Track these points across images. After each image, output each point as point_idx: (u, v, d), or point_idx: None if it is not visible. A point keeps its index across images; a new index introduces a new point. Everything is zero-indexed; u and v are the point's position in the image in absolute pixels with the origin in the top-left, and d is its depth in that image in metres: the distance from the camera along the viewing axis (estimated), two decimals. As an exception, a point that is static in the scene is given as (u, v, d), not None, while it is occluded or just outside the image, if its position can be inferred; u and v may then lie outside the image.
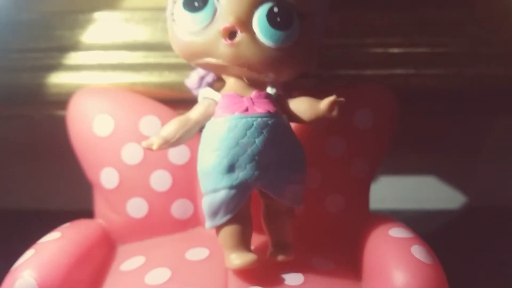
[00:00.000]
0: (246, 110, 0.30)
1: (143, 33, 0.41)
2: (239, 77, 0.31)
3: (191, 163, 0.35)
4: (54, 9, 0.41)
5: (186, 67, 0.38)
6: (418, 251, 0.29)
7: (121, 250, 0.36)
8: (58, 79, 0.40)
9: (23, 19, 0.41)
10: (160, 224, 0.36)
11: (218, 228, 0.30)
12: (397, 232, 0.31)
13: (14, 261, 0.30)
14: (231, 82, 0.31)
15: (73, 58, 0.41)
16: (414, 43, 0.40)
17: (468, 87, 0.40)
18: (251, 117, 0.29)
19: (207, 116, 0.31)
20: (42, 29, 0.41)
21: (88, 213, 0.38)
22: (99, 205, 0.37)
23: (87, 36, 0.41)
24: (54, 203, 0.47)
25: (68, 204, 0.45)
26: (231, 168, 0.29)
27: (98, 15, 0.41)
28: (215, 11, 0.29)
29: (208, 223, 0.30)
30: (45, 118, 0.41)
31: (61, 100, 0.38)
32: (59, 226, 0.34)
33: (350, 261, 0.33)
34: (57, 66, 0.40)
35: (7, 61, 0.40)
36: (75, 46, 0.41)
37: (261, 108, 0.30)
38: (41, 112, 0.41)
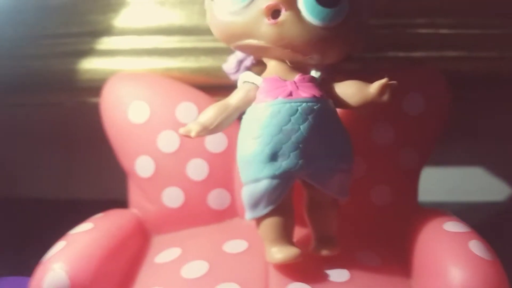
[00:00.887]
0: (290, 94, 0.28)
1: (179, 17, 0.39)
2: (281, 59, 0.29)
3: (229, 151, 0.34)
4: (86, -6, 0.40)
5: (223, 51, 0.36)
6: (476, 247, 0.27)
7: (156, 241, 0.35)
8: (91, 64, 0.39)
9: (54, 4, 0.40)
10: (196, 215, 0.35)
11: (259, 220, 0.29)
12: (452, 226, 0.29)
13: (45, 252, 0.29)
14: (272, 65, 0.30)
15: (106, 43, 0.40)
16: (466, 24, 0.38)
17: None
18: (295, 102, 0.28)
19: (247, 102, 0.29)
20: (73, 13, 0.40)
21: (122, 203, 0.37)
22: (134, 194, 0.36)
23: (120, 20, 0.40)
24: (88, 192, 0.47)
25: (102, 194, 0.44)
26: (273, 157, 0.27)
27: (130, -1, 0.40)
28: None
29: (249, 215, 0.29)
30: (78, 105, 0.41)
31: (95, 87, 0.38)
32: (94, 214, 0.33)
33: (399, 257, 0.31)
34: (89, 52, 0.39)
35: (38, 47, 0.40)
36: (108, 31, 0.40)
37: (306, 92, 0.28)
38: (74, 99, 0.41)
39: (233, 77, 0.34)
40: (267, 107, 0.28)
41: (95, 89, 0.37)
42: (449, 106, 0.34)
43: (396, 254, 0.31)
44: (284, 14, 0.27)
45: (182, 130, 0.29)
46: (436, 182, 0.46)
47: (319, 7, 0.27)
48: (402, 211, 0.33)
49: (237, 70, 0.34)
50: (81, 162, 0.47)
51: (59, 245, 0.29)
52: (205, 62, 0.38)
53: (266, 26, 0.27)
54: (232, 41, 0.29)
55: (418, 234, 0.30)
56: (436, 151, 0.36)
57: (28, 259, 0.30)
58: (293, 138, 0.27)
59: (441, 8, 0.37)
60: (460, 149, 0.46)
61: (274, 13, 0.27)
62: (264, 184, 0.27)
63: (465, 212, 0.45)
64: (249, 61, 0.34)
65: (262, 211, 0.28)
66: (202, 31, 0.37)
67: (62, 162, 0.48)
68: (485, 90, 0.39)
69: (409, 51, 0.37)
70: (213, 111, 0.29)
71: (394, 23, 0.37)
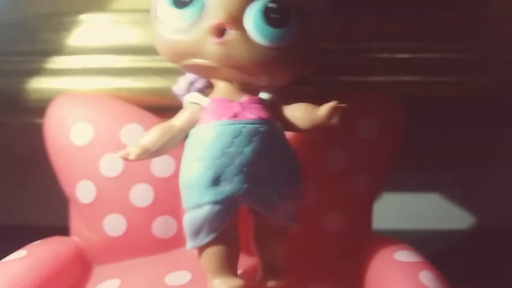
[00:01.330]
0: (235, 116, 0.27)
1: (133, 36, 0.38)
2: (229, 81, 0.28)
3: (176, 176, 0.31)
4: (38, 11, 0.39)
5: (175, 72, 0.35)
6: (427, 278, 0.26)
7: (97, 271, 0.33)
8: (39, 84, 0.38)
9: (5, 21, 0.39)
10: (140, 244, 0.33)
11: (201, 249, 0.27)
12: (403, 255, 0.28)
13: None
14: (220, 86, 0.29)
15: (56, 62, 0.38)
16: (423, 48, 0.37)
17: (480, 96, 0.37)
18: (239, 124, 0.26)
19: (192, 123, 0.28)
20: (25, 31, 0.39)
21: (67, 229, 0.35)
22: (75, 221, 0.34)
23: (73, 39, 0.39)
24: (31, 218, 0.45)
25: (46, 220, 0.41)
26: (216, 181, 0.26)
27: (84, 17, 0.39)
28: (203, 7, 0.27)
29: (190, 244, 0.27)
30: (25, 126, 0.39)
31: (42, 107, 0.36)
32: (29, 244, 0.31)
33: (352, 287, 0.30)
34: (39, 71, 0.38)
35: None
36: (59, 50, 0.38)
37: (252, 114, 0.27)
38: (21, 119, 0.39)
39: (182, 99, 0.33)
40: (211, 129, 0.26)
41: (43, 110, 0.35)
42: (403, 130, 0.34)
43: (348, 284, 0.30)
44: (231, 33, 0.26)
45: (120, 153, 0.27)
46: (393, 209, 0.45)
47: (267, 27, 0.26)
48: (355, 239, 0.32)
49: (187, 91, 0.33)
50: (26, 185, 0.45)
51: (-15, 275, 0.27)
52: (156, 82, 0.37)
53: (212, 45, 0.26)
54: (178, 60, 0.28)
55: (370, 263, 0.29)
56: (393, 177, 0.35)
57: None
58: (237, 161, 0.26)
59: (397, 33, 0.37)
60: (417, 175, 0.46)
61: (220, 32, 0.26)
62: (205, 210, 0.26)
63: (422, 240, 0.44)
64: (200, 83, 0.33)
65: (203, 239, 0.26)
66: (154, 51, 0.35)
67: (5, 185, 0.45)
68: (443, 115, 0.38)
69: (365, 76, 0.37)
70: (155, 133, 0.28)
71: (351, 47, 0.37)
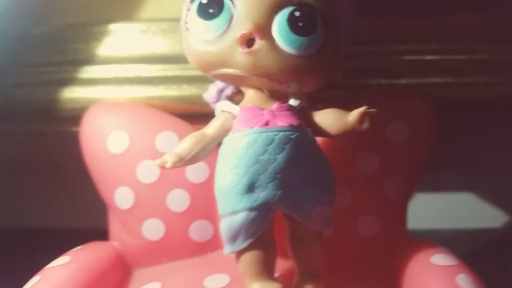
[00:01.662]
0: (267, 123, 0.27)
1: (161, 45, 0.39)
2: (259, 88, 0.29)
3: (210, 181, 0.32)
4: (68, 22, 0.40)
5: (205, 80, 0.36)
6: (464, 281, 0.26)
7: (137, 275, 0.34)
8: (72, 93, 0.39)
9: (36, 33, 0.40)
10: (178, 247, 0.34)
11: (238, 254, 0.28)
12: (440, 259, 0.28)
13: (23, 285, 0.29)
14: (250, 94, 0.29)
15: (88, 71, 0.39)
16: (451, 49, 0.37)
17: (510, 96, 0.37)
18: (272, 131, 0.27)
19: (224, 131, 0.28)
20: (55, 42, 0.40)
21: (105, 233, 0.36)
22: (114, 226, 0.35)
23: (103, 49, 0.39)
24: (69, 222, 0.46)
25: (85, 224, 0.43)
26: (250, 188, 0.26)
27: (113, 27, 0.39)
28: (231, 17, 0.27)
29: (227, 249, 0.28)
30: (60, 134, 0.40)
31: (76, 116, 0.37)
32: (74, 246, 0.33)
33: (386, 291, 0.30)
34: (71, 80, 0.39)
35: (20, 76, 0.39)
36: (90, 60, 0.39)
37: (283, 121, 0.27)
38: (55, 128, 0.40)
39: (213, 106, 0.33)
40: (243, 137, 0.27)
41: (77, 118, 0.36)
42: (434, 133, 0.34)
43: (384, 287, 0.30)
44: (259, 43, 0.26)
45: (157, 162, 0.28)
46: (427, 209, 0.45)
47: (294, 36, 0.27)
48: (390, 243, 0.32)
49: (218, 99, 0.34)
50: (64, 191, 0.46)
51: (34, 280, 0.28)
52: (187, 90, 0.37)
53: (241, 55, 0.27)
54: (208, 70, 0.29)
55: (406, 267, 0.29)
56: (426, 177, 0.35)
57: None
58: (270, 168, 0.26)
59: (425, 34, 0.37)
60: (451, 175, 0.45)
61: (248, 42, 0.27)
62: (241, 217, 0.26)
63: (457, 240, 0.44)
64: (229, 90, 0.34)
65: (240, 245, 0.27)
66: (184, 59, 0.36)
67: (44, 191, 0.47)
68: (473, 116, 0.38)
69: (393, 78, 0.37)
70: (189, 141, 0.28)
71: (378, 50, 0.37)
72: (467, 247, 0.43)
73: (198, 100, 0.36)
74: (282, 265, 0.30)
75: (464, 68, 0.37)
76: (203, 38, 0.28)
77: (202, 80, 0.37)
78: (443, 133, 0.34)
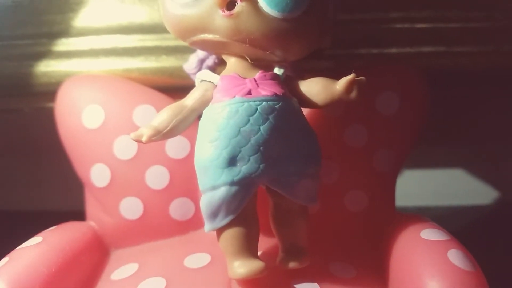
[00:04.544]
0: (249, 93, 0.26)
1: (139, 14, 0.37)
2: (241, 56, 0.27)
3: (191, 157, 0.31)
4: (43, -7, 0.38)
5: (186, 51, 0.34)
6: (456, 256, 0.25)
7: (114, 255, 0.32)
8: (47, 67, 0.37)
9: (9, 4, 0.38)
10: (157, 226, 0.32)
11: (219, 232, 0.26)
12: (430, 233, 0.27)
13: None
14: (232, 62, 0.28)
15: (64, 44, 0.37)
16: (444, 17, 0.35)
17: (505, 66, 0.35)
18: (254, 101, 0.25)
19: (205, 102, 0.27)
20: (30, 14, 0.38)
21: (83, 213, 0.34)
22: (91, 205, 0.34)
23: (79, 20, 0.37)
24: (47, 203, 0.44)
25: (62, 205, 0.41)
26: (232, 161, 0.25)
27: (89, -4, 0.37)
28: None
29: (207, 226, 0.26)
30: (35, 111, 0.38)
31: (52, 91, 0.35)
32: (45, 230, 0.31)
33: (374, 268, 0.29)
34: (46, 54, 0.37)
35: (-8, 49, 0.37)
36: (65, 32, 0.37)
37: (267, 90, 0.26)
38: (30, 104, 0.38)
39: (194, 78, 0.32)
40: (224, 107, 0.25)
41: (53, 94, 0.35)
42: (426, 105, 0.32)
43: (372, 264, 0.29)
44: (240, 5, 0.25)
45: (132, 135, 0.26)
46: (416, 186, 0.44)
47: None
48: (378, 218, 0.31)
49: (198, 69, 0.32)
50: (41, 170, 0.45)
51: (1, 262, 0.27)
52: (166, 61, 0.36)
53: (221, 19, 0.25)
54: (187, 36, 0.27)
55: (395, 243, 0.28)
56: (416, 152, 0.34)
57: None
58: (253, 140, 0.25)
59: (416, 1, 0.35)
60: (441, 150, 0.45)
61: (229, 4, 0.25)
62: (222, 192, 0.25)
63: (447, 217, 0.43)
64: (211, 60, 0.32)
65: (221, 221, 0.26)
66: (163, 29, 0.34)
67: (21, 172, 0.45)
68: (466, 87, 0.37)
69: (384, 48, 0.35)
70: (167, 113, 0.27)
71: (367, 18, 0.35)
72: (457, 224, 0.42)
73: (178, 72, 0.35)
74: (265, 243, 0.29)
75: (457, 36, 0.35)
76: (180, 1, 0.26)
77: (182, 51, 0.35)
78: (434, 105, 0.33)
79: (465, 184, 0.47)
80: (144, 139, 0.26)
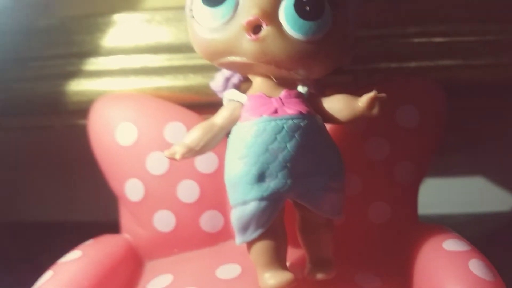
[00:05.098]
0: (275, 112, 0.27)
1: (166, 35, 0.39)
2: (266, 76, 0.28)
3: (220, 172, 0.32)
4: (72, 14, 0.40)
5: (212, 69, 0.35)
6: (476, 266, 0.26)
7: (149, 266, 0.33)
8: (78, 86, 0.39)
9: (40, 26, 0.40)
10: (189, 238, 0.33)
11: (249, 244, 0.27)
12: (452, 244, 0.28)
13: (37, 278, 0.29)
14: (258, 82, 0.29)
15: (93, 63, 0.39)
16: (460, 31, 0.36)
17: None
18: (281, 119, 0.26)
19: (233, 120, 0.28)
20: (60, 35, 0.39)
21: (116, 225, 0.36)
22: (125, 219, 0.35)
23: (108, 40, 0.39)
24: (80, 215, 0.46)
25: (96, 217, 0.43)
26: (260, 177, 0.26)
27: (118, 17, 0.39)
28: (236, 4, 0.27)
29: (238, 239, 0.28)
30: (67, 128, 0.40)
31: (83, 109, 0.37)
32: (85, 239, 0.33)
33: (399, 277, 0.30)
34: (77, 73, 0.39)
35: (25, 70, 0.39)
36: (95, 51, 0.39)
37: (292, 109, 0.27)
38: (63, 122, 0.40)
39: (221, 95, 0.33)
40: (252, 126, 0.27)
41: (84, 111, 0.36)
42: (445, 117, 0.33)
43: (396, 275, 0.30)
44: (266, 29, 0.26)
45: (167, 153, 0.28)
46: (438, 194, 0.45)
47: (301, 21, 0.26)
48: (401, 229, 0.32)
49: (225, 87, 0.33)
50: (73, 185, 0.46)
51: (46, 276, 0.29)
52: (193, 80, 0.37)
53: (248, 42, 0.26)
54: (215, 58, 0.28)
55: (418, 253, 0.29)
56: (436, 162, 0.35)
57: (21, 286, 0.29)
58: (280, 157, 0.26)
59: (434, 16, 0.36)
60: (461, 159, 0.45)
61: (255, 28, 0.26)
62: (252, 207, 0.26)
63: (468, 224, 0.43)
64: (236, 78, 0.33)
65: (252, 235, 0.27)
66: (190, 48, 0.36)
67: (54, 186, 0.47)
68: (484, 98, 0.37)
69: (402, 62, 0.36)
70: (198, 132, 0.28)
71: (386, 33, 0.36)
72: (478, 231, 0.42)
73: (205, 89, 0.36)
74: (293, 254, 0.30)
75: (474, 49, 0.36)
76: (209, 25, 0.27)
77: (209, 69, 0.36)
78: (453, 116, 0.34)
79: (484, 191, 0.47)
80: (177, 156, 0.27)
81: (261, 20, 0.26)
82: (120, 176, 0.34)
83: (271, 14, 0.26)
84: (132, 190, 0.34)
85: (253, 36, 0.26)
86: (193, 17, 0.28)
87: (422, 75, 0.35)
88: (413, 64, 0.36)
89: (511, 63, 0.36)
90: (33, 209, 0.47)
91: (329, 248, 0.28)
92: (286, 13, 0.26)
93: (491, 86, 0.36)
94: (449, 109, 0.33)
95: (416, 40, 0.36)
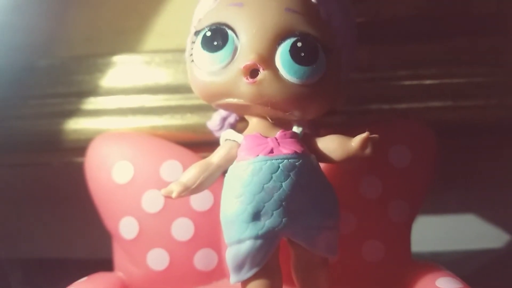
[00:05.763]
0: (271, 151, 0.27)
1: (164, 76, 0.40)
2: (262, 116, 0.29)
3: (215, 209, 0.33)
4: (72, 54, 0.41)
5: (208, 109, 0.36)
6: None
7: (142, 305, 0.33)
8: (77, 125, 0.39)
9: (41, 65, 0.41)
10: (183, 277, 0.33)
11: (244, 283, 0.28)
12: (445, 282, 0.28)
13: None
14: (254, 122, 0.29)
15: (92, 103, 0.40)
16: (449, 73, 0.38)
17: (508, 118, 0.37)
18: (276, 159, 0.27)
19: (229, 160, 0.29)
20: (60, 74, 0.41)
21: (109, 263, 0.36)
22: (119, 256, 0.35)
23: (107, 80, 0.40)
24: (74, 252, 0.46)
25: (89, 254, 0.43)
26: (256, 216, 0.27)
27: (117, 59, 0.40)
28: (235, 49, 0.28)
29: (233, 278, 0.28)
30: (65, 165, 0.41)
31: (81, 147, 0.37)
32: (79, 276, 0.32)
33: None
34: (76, 112, 0.40)
35: (25, 108, 0.40)
36: (94, 91, 0.40)
37: (287, 148, 0.28)
38: (60, 159, 0.41)
39: (217, 134, 0.34)
40: (248, 165, 0.27)
41: (82, 149, 0.37)
42: (436, 156, 0.34)
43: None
44: (262, 73, 0.27)
45: (163, 192, 0.28)
46: (430, 232, 0.45)
47: (297, 66, 0.27)
48: (395, 267, 0.32)
49: (221, 127, 0.34)
50: (68, 222, 0.46)
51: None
52: (190, 119, 0.38)
53: (245, 85, 0.27)
54: (213, 100, 0.29)
55: (412, 291, 0.29)
56: (428, 200, 0.35)
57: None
58: (276, 196, 0.27)
59: (423, 59, 0.38)
60: (452, 197, 0.45)
61: (252, 72, 0.27)
62: (247, 245, 0.27)
63: (461, 261, 0.43)
64: (232, 118, 0.34)
65: (246, 274, 0.27)
66: (187, 89, 0.37)
67: (49, 222, 0.47)
68: (473, 138, 0.39)
69: (394, 103, 0.37)
70: (194, 170, 0.29)
71: (378, 76, 0.38)
72: (470, 268, 0.42)
73: (201, 128, 0.37)
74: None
75: (463, 91, 0.37)
76: (208, 69, 0.28)
77: (205, 109, 0.37)
78: (444, 155, 0.35)
79: (476, 228, 0.47)
80: (174, 195, 0.28)
81: (258, 64, 0.27)
82: (115, 214, 0.34)
83: (268, 59, 0.27)
84: (126, 228, 0.34)
85: (251, 80, 0.27)
86: (192, 61, 0.29)
87: (413, 116, 0.36)
88: (404, 105, 0.37)
89: (499, 104, 0.37)
90: (28, 245, 0.47)
91: (323, 286, 0.29)
92: (282, 59, 0.27)
93: (480, 126, 0.37)
94: (440, 149, 0.34)
95: (407, 82, 0.38)
